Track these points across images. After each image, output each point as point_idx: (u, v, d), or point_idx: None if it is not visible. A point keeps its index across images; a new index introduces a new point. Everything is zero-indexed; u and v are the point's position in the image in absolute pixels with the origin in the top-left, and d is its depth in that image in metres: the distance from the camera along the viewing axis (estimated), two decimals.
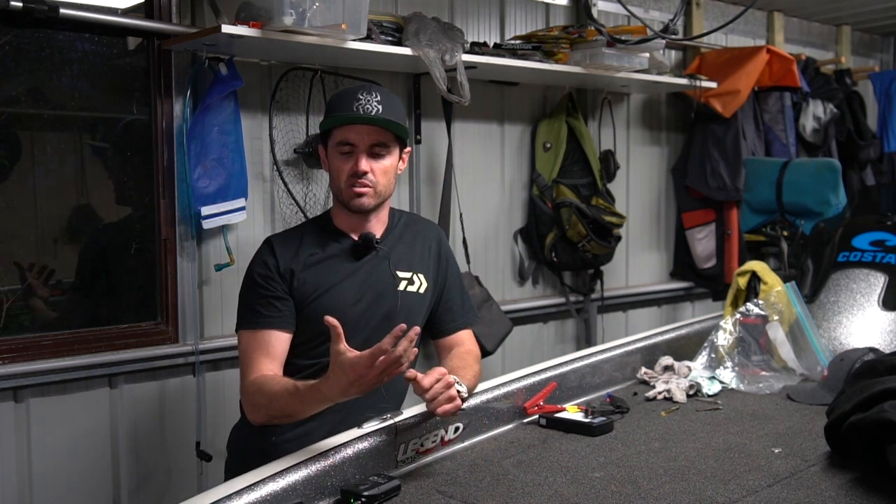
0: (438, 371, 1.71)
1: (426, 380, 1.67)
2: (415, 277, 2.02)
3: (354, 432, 1.68)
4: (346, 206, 1.95)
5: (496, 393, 2.00)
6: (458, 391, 1.74)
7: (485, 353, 2.75)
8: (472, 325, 2.15)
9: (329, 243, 1.99)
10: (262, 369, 1.85)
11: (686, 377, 2.35)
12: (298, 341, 1.93)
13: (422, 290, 2.03)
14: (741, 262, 3.63)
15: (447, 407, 1.70)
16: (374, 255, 1.99)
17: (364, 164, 1.90)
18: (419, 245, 2.07)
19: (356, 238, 1.99)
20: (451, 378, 1.73)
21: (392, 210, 2.08)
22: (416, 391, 1.69)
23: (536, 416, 2.05)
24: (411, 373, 1.66)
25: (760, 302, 2.53)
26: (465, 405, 1.82)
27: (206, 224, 2.51)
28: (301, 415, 1.78)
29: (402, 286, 1.99)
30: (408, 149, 2.03)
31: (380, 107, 1.89)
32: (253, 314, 1.91)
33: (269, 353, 1.88)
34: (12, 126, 2.33)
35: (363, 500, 1.51)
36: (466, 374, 1.87)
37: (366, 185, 1.91)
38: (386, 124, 1.90)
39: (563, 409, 2.05)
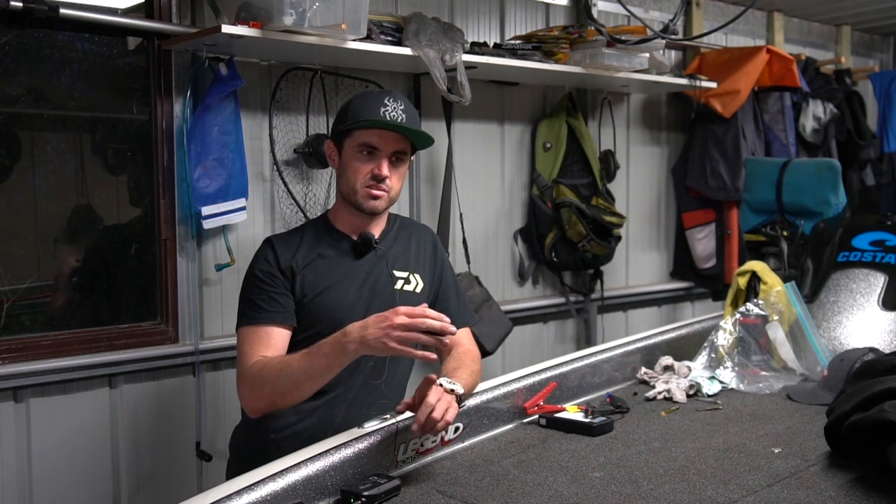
0: (431, 397, 1.65)
1: (431, 397, 1.64)
2: (411, 277, 2.05)
3: (354, 432, 1.68)
4: (358, 207, 1.98)
5: (496, 393, 2.00)
6: (452, 389, 1.70)
7: (485, 353, 2.76)
8: (470, 325, 2.16)
9: (329, 243, 2.02)
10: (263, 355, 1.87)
11: (686, 377, 2.35)
12: (297, 339, 1.95)
13: (418, 290, 2.05)
14: (741, 262, 3.63)
15: (450, 417, 1.66)
16: (372, 255, 2.02)
17: (386, 168, 1.95)
18: (415, 246, 2.11)
19: (355, 238, 2.01)
20: (439, 390, 1.67)
21: (389, 213, 2.11)
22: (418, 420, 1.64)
23: (536, 416, 2.04)
24: (402, 406, 1.69)
25: (760, 302, 2.53)
26: (463, 404, 1.82)
27: (207, 224, 2.51)
28: (315, 380, 1.77)
29: (399, 285, 2.02)
30: (412, 158, 2.08)
31: (404, 115, 1.95)
32: (254, 309, 1.91)
33: (270, 346, 1.88)
34: (12, 126, 2.33)
35: (363, 500, 1.51)
36: (462, 374, 1.87)
37: (382, 190, 1.96)
38: (416, 135, 1.97)
39: (563, 409, 2.05)
